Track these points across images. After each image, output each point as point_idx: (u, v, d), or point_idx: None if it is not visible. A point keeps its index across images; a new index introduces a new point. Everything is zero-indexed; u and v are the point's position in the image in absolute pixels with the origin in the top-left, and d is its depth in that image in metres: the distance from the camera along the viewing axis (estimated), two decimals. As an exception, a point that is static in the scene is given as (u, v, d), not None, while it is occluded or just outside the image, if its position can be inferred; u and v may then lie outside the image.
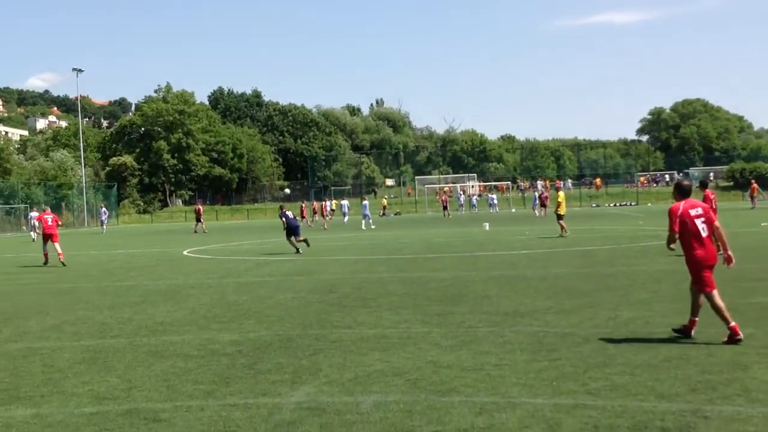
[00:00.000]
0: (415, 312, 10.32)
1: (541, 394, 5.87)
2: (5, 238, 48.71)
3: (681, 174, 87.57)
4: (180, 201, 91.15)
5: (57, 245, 21.88)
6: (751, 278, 12.49)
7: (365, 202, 44.64)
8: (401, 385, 6.31)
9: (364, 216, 41.55)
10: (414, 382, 6.41)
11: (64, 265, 21.21)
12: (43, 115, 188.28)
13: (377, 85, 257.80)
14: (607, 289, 11.91)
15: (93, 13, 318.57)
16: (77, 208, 72.23)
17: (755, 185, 49.42)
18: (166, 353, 8.10)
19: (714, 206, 15.84)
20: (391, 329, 9.05)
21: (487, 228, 33.15)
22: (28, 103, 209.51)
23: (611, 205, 71.27)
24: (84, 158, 77.61)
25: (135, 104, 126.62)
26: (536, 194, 54.77)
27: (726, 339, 7.43)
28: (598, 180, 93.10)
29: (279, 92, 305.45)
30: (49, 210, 23.82)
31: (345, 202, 52.60)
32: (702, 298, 7.77)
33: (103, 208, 54.93)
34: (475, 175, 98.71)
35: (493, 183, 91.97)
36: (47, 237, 22.28)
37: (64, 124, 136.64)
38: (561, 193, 27.39)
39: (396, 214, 68.28)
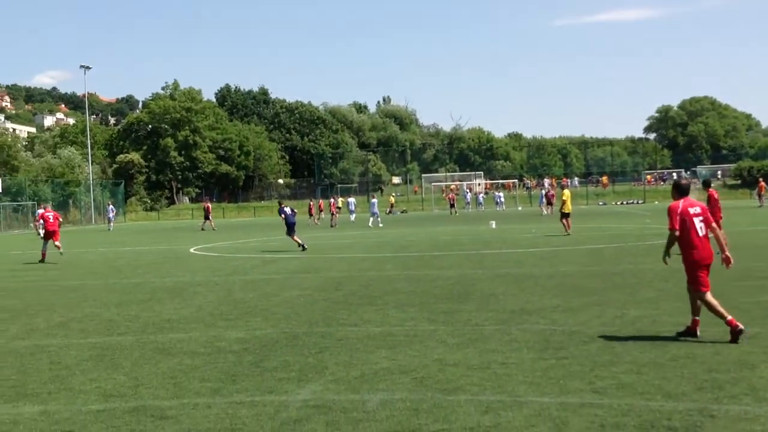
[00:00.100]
0: (421, 310, 10.32)
1: (548, 393, 5.86)
2: (13, 236, 48.90)
3: (689, 172, 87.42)
4: (187, 198, 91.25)
5: (57, 242, 22.17)
6: (759, 276, 12.48)
7: (374, 200, 44.43)
8: (407, 383, 6.31)
9: (373, 214, 41.31)
10: (420, 380, 6.41)
11: (61, 254, 21.58)
12: (51, 112, 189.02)
13: (384, 83, 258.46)
14: (614, 288, 11.89)
15: (101, 11, 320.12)
16: (84, 206, 72.37)
17: (762, 183, 49.15)
18: (173, 350, 8.12)
19: (718, 205, 15.83)
20: (398, 327, 9.06)
21: (494, 226, 33.12)
22: (35, 100, 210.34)
23: (618, 203, 71.11)
24: (91, 155, 77.82)
25: (142, 101, 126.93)
26: (543, 192, 54.66)
27: (730, 337, 7.40)
28: (605, 178, 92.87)
29: (286, 90, 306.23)
30: (50, 207, 23.90)
31: (352, 199, 52.50)
32: None
33: (111, 206, 55.07)
34: (482, 172, 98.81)
35: (500, 181, 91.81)
36: (50, 234, 22.42)
37: (71, 121, 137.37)
38: (566, 191, 27.31)
39: (403, 212, 68.25)
